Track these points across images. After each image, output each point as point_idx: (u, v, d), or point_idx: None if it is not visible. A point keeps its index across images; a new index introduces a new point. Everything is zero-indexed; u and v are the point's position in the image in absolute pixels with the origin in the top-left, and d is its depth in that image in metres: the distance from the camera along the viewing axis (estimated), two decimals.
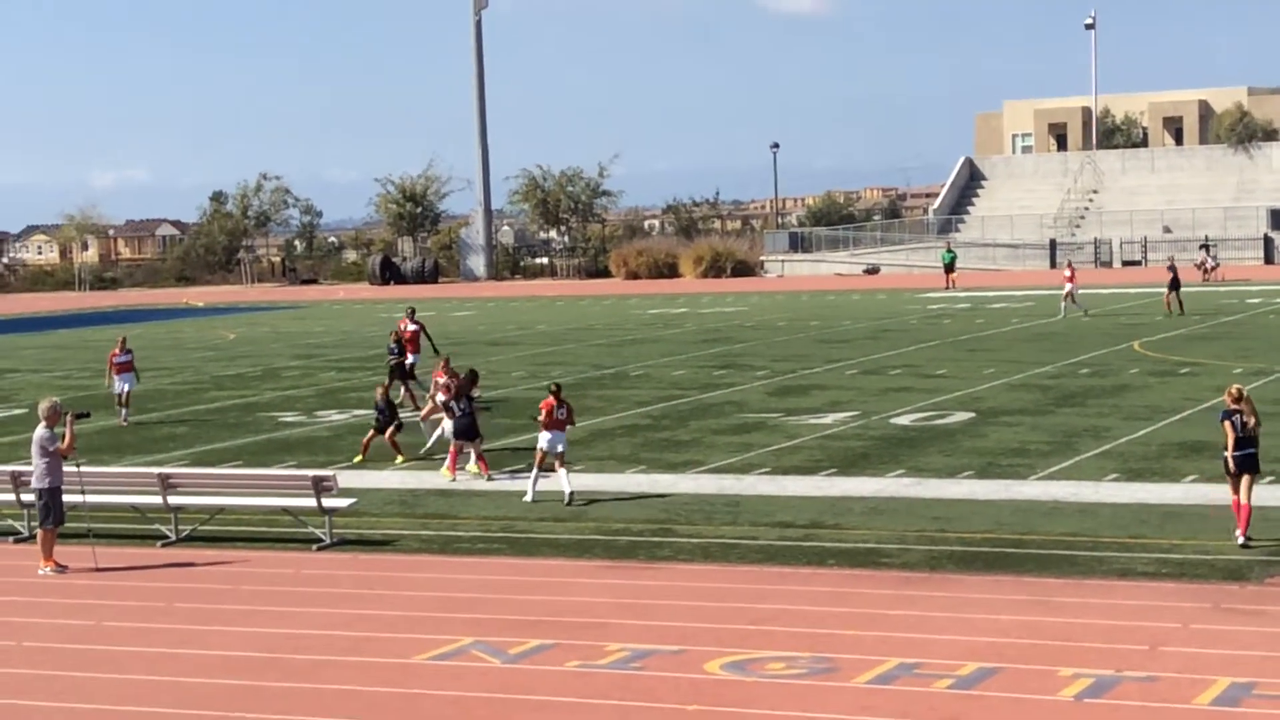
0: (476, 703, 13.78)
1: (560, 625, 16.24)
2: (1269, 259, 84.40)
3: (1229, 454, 18.88)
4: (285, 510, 21.47)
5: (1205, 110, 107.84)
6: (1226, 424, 18.94)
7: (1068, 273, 55.67)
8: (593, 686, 14.12)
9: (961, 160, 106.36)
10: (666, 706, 13.46)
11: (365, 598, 17.88)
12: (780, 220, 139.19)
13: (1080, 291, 56.07)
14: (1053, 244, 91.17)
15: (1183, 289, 53.94)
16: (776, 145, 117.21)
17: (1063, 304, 54.57)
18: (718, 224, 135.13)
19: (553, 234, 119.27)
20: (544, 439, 23.41)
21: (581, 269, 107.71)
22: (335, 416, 33.94)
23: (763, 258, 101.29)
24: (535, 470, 23.58)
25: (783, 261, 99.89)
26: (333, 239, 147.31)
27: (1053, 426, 28.48)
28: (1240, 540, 18.61)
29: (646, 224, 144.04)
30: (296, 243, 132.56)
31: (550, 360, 45.15)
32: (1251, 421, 18.93)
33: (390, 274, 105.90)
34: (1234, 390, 19.18)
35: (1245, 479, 18.80)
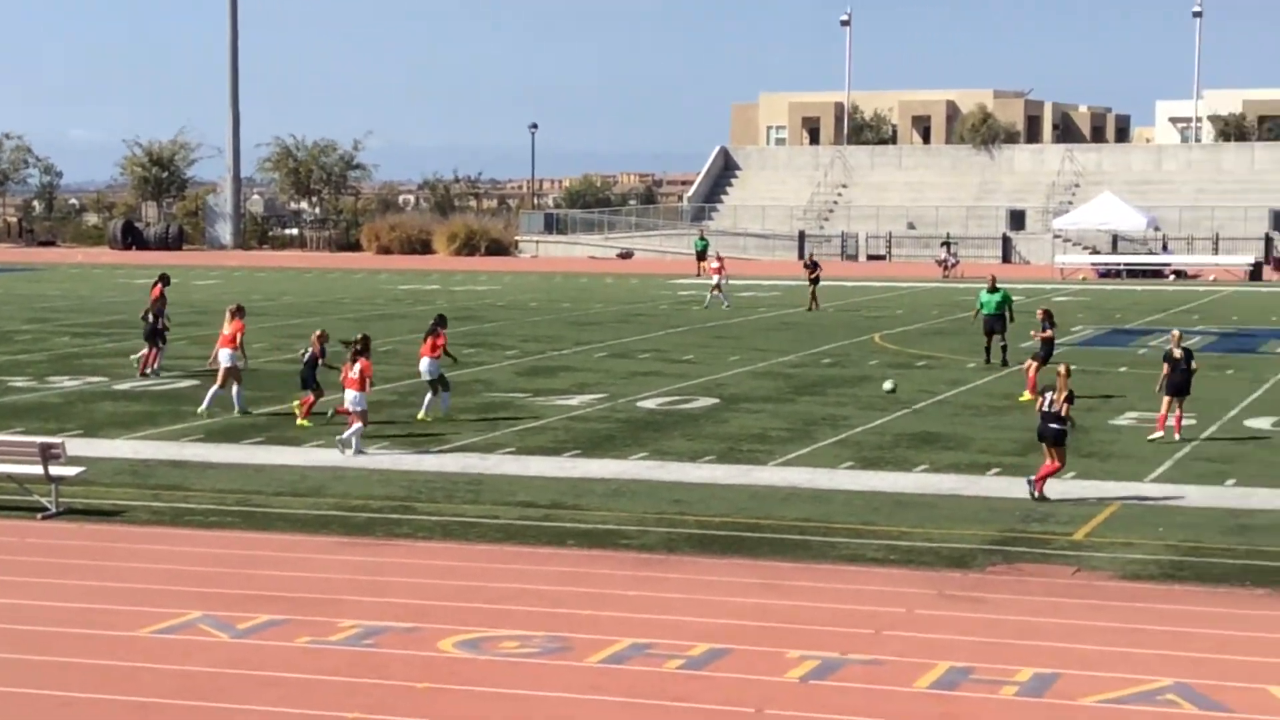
0: (203, 678, 13.53)
1: (292, 601, 16.03)
2: (1006, 258, 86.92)
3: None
4: (10, 477, 20.82)
5: (952, 111, 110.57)
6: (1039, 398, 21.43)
7: (716, 264, 55.85)
8: (323, 663, 13.97)
9: (717, 150, 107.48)
10: (397, 684, 13.37)
11: (91, 569, 17.43)
12: (537, 201, 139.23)
13: (732, 283, 56.69)
14: (801, 235, 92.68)
15: (820, 284, 54.13)
16: (535, 126, 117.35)
17: (709, 295, 54.94)
18: (474, 202, 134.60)
19: (304, 205, 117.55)
20: (349, 397, 24.86)
21: (333, 242, 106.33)
22: (68, 383, 33.01)
23: (518, 238, 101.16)
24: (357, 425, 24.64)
25: (537, 242, 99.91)
26: (74, 201, 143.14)
27: (793, 414, 28.96)
28: (1035, 495, 20.80)
29: (401, 199, 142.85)
30: (35, 203, 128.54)
31: (296, 333, 44.47)
32: (1059, 399, 20.71)
33: (132, 239, 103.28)
34: (1061, 369, 21.49)
35: (1046, 448, 21.04)
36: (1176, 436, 25.65)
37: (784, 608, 15.81)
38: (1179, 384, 25.51)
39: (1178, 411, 25.65)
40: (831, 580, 16.99)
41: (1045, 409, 20.93)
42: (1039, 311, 32.30)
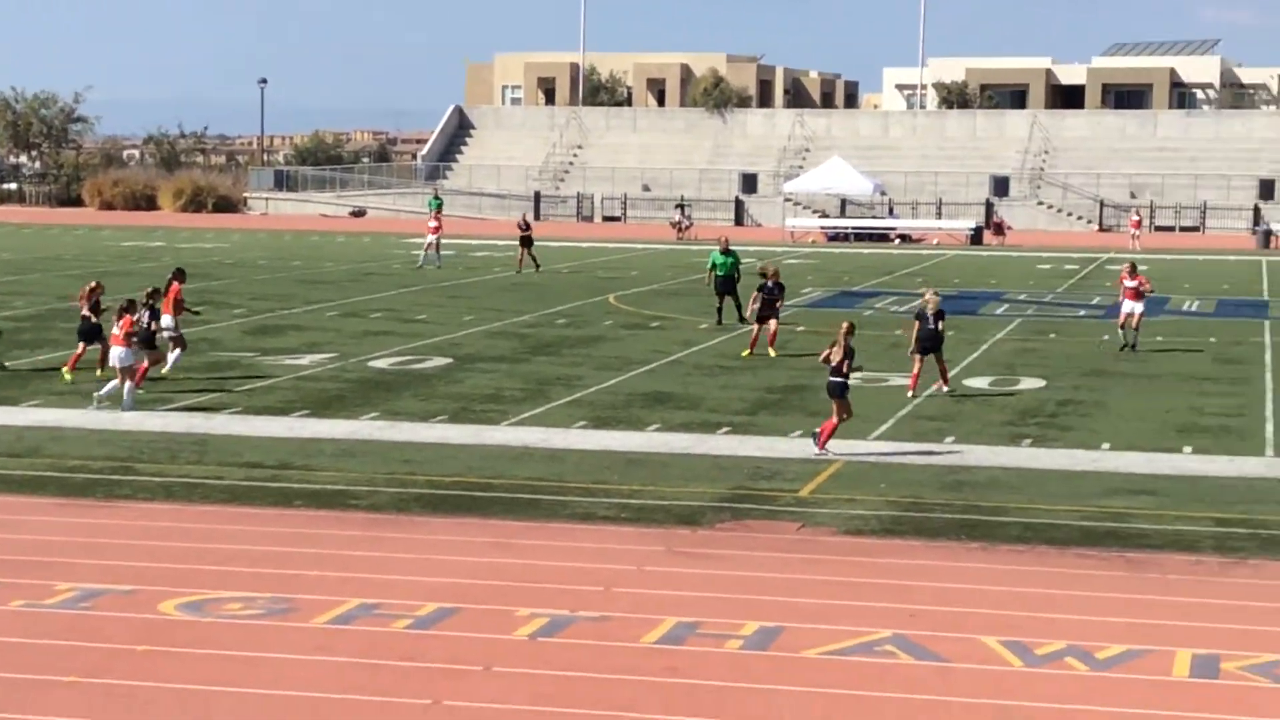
0: None
1: (6, 564, 15.52)
2: (739, 221, 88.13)
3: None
4: None
5: (686, 74, 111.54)
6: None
7: (434, 223, 55.76)
8: (38, 626, 13.55)
9: (451, 108, 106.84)
10: (115, 647, 13.04)
11: None
12: (267, 158, 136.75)
13: (445, 242, 56.75)
14: (537, 196, 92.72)
15: (535, 245, 54.36)
16: (265, 81, 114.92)
17: (423, 254, 54.85)
18: (201, 158, 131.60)
19: (23, 159, 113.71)
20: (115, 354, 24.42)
21: (53, 197, 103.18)
22: None
23: (247, 195, 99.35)
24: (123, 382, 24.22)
25: (267, 199, 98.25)
26: None
27: (527, 374, 28.97)
28: (818, 453, 21.28)
29: (126, 154, 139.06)
30: None
31: (13, 290, 43.10)
32: (837, 355, 21.27)
33: None
34: (844, 325, 21.79)
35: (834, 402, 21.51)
36: (945, 389, 26.60)
37: (514, 566, 15.81)
38: (927, 342, 26.28)
39: (941, 366, 26.62)
40: (563, 539, 17.05)
41: (831, 365, 21.40)
42: (770, 270, 32.60)
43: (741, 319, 36.07)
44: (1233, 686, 12.42)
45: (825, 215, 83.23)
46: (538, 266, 52.73)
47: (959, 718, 11.70)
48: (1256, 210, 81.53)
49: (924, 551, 16.66)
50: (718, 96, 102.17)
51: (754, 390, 27.26)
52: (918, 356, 26.31)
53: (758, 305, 31.84)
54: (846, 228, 78.68)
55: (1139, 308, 32.11)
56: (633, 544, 16.84)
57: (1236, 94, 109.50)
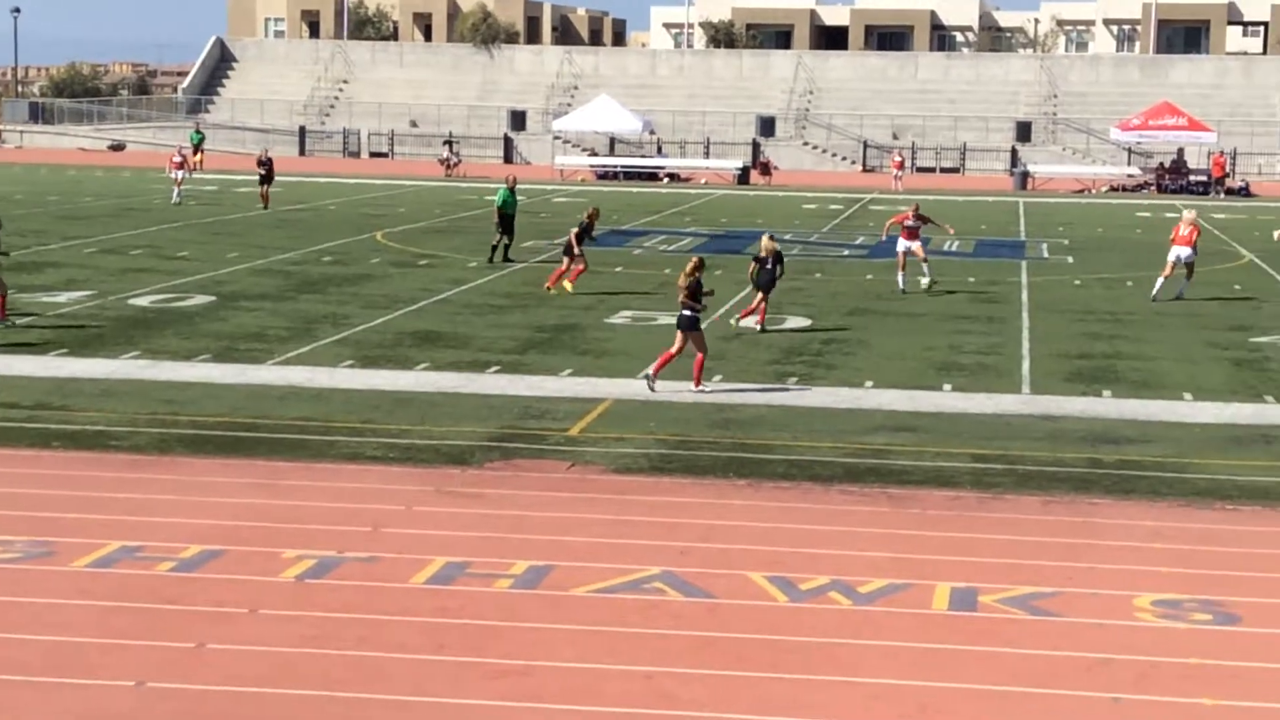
0: None
1: None
2: (508, 158, 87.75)
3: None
4: None
5: (453, 8, 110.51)
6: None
7: (178, 159, 54.81)
8: None
9: (212, 40, 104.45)
10: None
11: None
12: (21, 89, 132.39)
13: (193, 176, 55.84)
14: (302, 131, 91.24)
15: (275, 180, 53.85)
16: (18, 10, 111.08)
17: (176, 189, 53.76)
18: None
19: None
20: None
21: None
22: None
23: (0, 127, 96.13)
24: None
25: (22, 132, 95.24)
26: None
27: (293, 312, 28.57)
28: (650, 384, 21.83)
29: None
30: None
31: None
32: (681, 290, 21.93)
33: None
34: (692, 261, 22.38)
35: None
36: (758, 327, 27.24)
37: (281, 507, 15.62)
38: (765, 282, 27.24)
39: (762, 306, 27.43)
40: (330, 479, 16.87)
41: (680, 298, 22.08)
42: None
43: (508, 259, 36.05)
44: (990, 619, 12.79)
45: (594, 153, 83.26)
46: (266, 205, 51.53)
47: (726, 653, 11.87)
48: (1014, 152, 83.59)
49: (692, 489, 16.84)
50: (485, 32, 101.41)
51: (524, 329, 27.24)
52: (759, 292, 27.44)
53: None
54: (615, 166, 78.83)
55: (915, 245, 32.73)
56: (401, 484, 16.74)
57: (994, 37, 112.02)
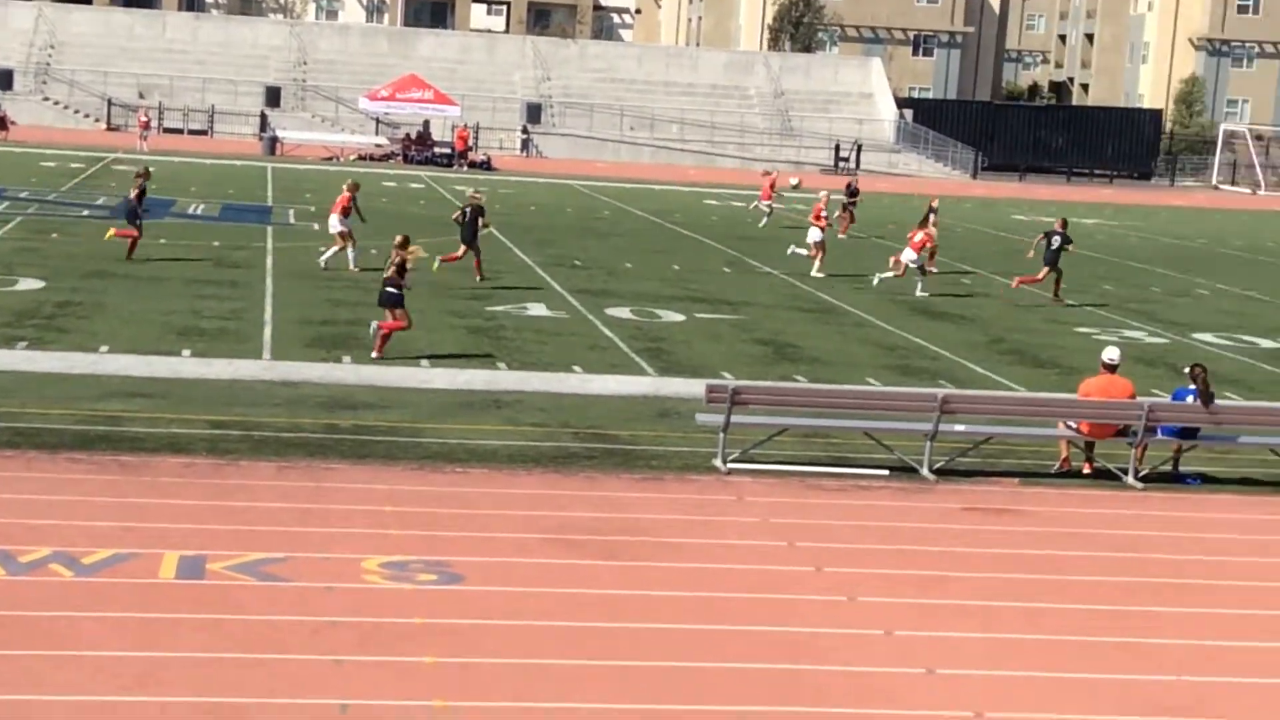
0: None
1: None
2: None
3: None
4: None
5: None
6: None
7: None
8: None
9: None
10: None
11: None
12: None
13: None
14: None
15: None
16: None
17: None
18: None
19: None
20: None
21: None
22: None
23: None
24: None
25: None
26: None
27: None
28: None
29: None
30: None
31: None
32: (390, 266, 23.06)
33: None
34: (399, 239, 23.56)
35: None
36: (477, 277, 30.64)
37: None
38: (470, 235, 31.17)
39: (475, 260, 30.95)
40: None
41: (385, 275, 23.13)
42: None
43: None
44: (218, 585, 12.64)
45: None
46: None
47: None
48: (263, 116, 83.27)
49: None
50: None
51: None
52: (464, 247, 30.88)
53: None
54: None
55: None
56: None
57: (245, 1, 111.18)
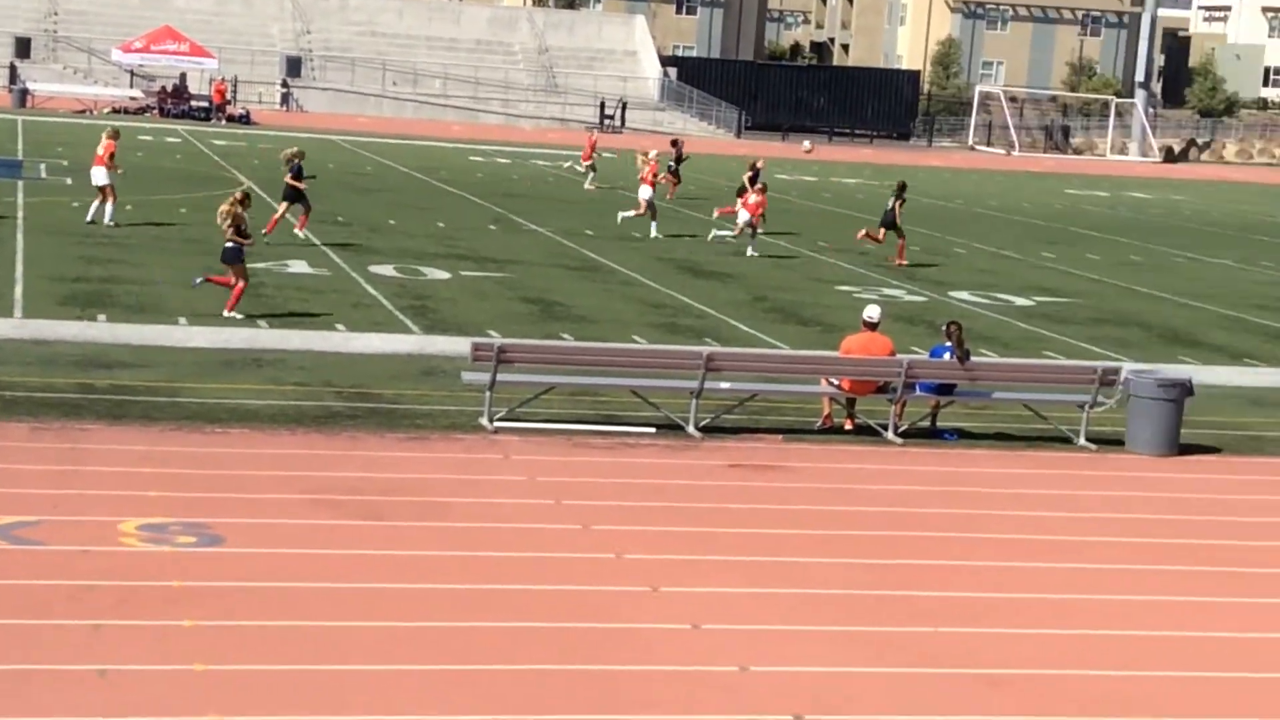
0: None
1: None
2: None
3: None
4: None
5: None
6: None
7: None
8: None
9: None
10: None
11: None
12: None
13: None
14: None
15: None
16: None
17: None
18: None
19: None
20: None
21: None
22: None
23: None
24: None
25: None
26: None
27: None
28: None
29: None
30: None
31: None
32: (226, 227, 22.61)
33: None
34: (238, 194, 23.13)
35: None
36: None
37: None
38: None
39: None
40: None
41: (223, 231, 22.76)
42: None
43: None
44: None
45: None
46: None
47: None
48: (13, 68, 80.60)
49: None
50: None
51: None
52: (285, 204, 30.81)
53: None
54: None
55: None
56: None
57: None
